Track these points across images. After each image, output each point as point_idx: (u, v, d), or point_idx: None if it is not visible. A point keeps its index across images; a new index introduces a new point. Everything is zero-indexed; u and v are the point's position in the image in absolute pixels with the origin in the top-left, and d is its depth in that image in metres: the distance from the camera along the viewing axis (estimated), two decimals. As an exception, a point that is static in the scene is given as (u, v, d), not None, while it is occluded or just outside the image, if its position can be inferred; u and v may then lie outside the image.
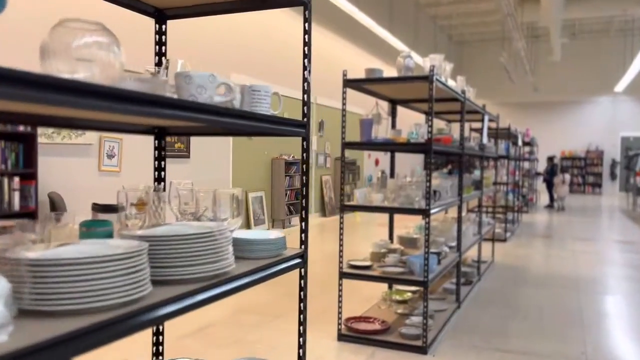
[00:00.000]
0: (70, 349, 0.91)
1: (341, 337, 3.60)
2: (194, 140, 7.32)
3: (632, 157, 16.39)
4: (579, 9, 14.67)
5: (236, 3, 1.81)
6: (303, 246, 1.80)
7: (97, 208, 1.46)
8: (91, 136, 5.68)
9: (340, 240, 3.63)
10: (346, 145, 3.60)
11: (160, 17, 1.95)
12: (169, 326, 3.85)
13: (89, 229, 1.33)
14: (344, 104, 3.57)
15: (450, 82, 4.19)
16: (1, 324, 0.87)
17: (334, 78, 11.19)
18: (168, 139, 6.83)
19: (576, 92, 20.76)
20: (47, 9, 5.20)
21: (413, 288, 4.71)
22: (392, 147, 3.69)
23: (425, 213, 3.35)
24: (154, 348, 2.03)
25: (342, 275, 3.58)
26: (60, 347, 0.89)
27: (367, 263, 3.75)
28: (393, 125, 4.60)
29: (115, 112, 1.00)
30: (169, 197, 1.60)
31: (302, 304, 1.81)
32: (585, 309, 4.57)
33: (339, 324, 3.61)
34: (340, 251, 3.62)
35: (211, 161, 7.70)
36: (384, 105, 4.66)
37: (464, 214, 6.06)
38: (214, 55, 7.68)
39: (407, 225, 6.71)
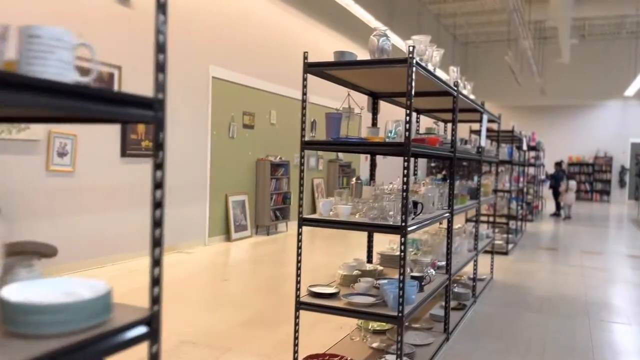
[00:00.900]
0: None
1: (297, 381, 2.92)
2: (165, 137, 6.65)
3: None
4: (589, 7, 13.93)
5: None
6: (155, 306, 1.11)
7: None
8: (37, 131, 5.03)
9: (298, 262, 2.95)
10: (306, 144, 2.92)
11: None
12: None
13: None
14: (304, 92, 2.89)
15: (441, 74, 3.51)
16: None
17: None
18: (133, 136, 6.17)
19: (585, 95, 19.97)
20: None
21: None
22: (364, 147, 3.01)
23: (400, 231, 2.67)
24: None
25: (299, 305, 2.90)
26: None
27: (332, 290, 3.06)
28: (374, 123, 3.92)
29: None
30: None
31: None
32: (596, 344, 3.86)
33: (295, 364, 2.93)
34: (298, 275, 2.94)
35: (185, 161, 7.03)
36: (365, 101, 3.98)
37: (458, 225, 5.37)
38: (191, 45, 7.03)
39: (393, 238, 6.00)
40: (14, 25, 0.94)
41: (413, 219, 2.97)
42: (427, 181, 4.18)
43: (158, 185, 1.16)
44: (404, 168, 2.70)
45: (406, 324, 3.47)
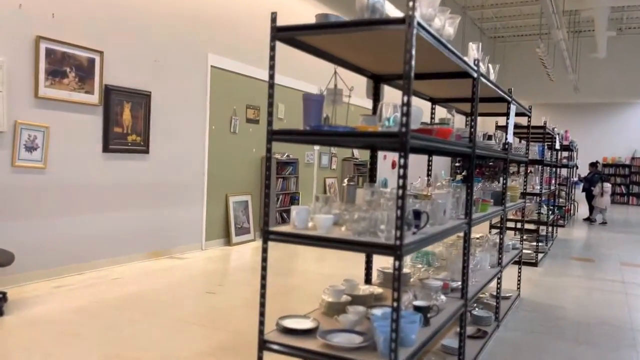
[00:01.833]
0: None
1: None
2: (155, 131, 6.04)
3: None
4: (629, -5, 12.88)
5: None
6: None
7: None
8: (1, 121, 4.45)
9: (262, 288, 2.26)
10: (274, 134, 2.23)
11: None
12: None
13: None
14: (271, 66, 2.21)
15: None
16: None
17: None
18: (118, 129, 5.57)
19: (621, 93, 18.76)
20: None
21: None
22: (352, 139, 2.31)
23: (394, 251, 1.96)
24: None
25: (263, 345, 2.21)
26: None
27: (308, 324, 2.36)
28: (374, 111, 3.22)
29: None
30: None
31: None
32: (652, 389, 3.08)
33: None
34: (262, 304, 2.26)
35: (178, 157, 6.41)
36: (363, 84, 3.27)
37: (480, 235, 4.61)
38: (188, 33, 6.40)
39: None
40: None
41: (414, 233, 2.26)
42: (443, 183, 3.45)
43: None
44: (400, 166, 1.99)
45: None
